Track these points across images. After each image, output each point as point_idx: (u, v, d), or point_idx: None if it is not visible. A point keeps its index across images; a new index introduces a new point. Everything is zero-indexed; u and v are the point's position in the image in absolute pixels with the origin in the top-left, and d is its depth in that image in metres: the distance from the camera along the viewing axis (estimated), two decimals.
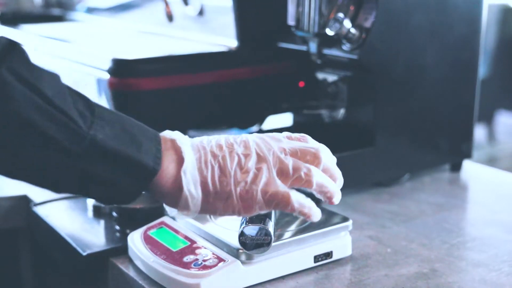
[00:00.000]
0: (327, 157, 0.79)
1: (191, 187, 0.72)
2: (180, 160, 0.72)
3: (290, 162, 0.75)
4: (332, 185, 0.78)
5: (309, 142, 0.79)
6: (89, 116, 0.67)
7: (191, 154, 0.73)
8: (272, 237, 0.80)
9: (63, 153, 0.65)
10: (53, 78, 0.66)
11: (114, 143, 0.67)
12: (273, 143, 0.76)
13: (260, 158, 0.74)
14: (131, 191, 0.71)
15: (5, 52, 0.63)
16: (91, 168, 0.66)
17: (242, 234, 0.80)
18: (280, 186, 0.74)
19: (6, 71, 0.62)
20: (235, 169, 0.73)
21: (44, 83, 0.64)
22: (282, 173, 0.74)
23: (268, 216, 0.82)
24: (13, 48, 0.64)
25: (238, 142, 0.75)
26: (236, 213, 0.75)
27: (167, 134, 0.75)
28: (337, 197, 0.79)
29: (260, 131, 1.33)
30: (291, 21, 1.15)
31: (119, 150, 0.67)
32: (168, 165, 0.72)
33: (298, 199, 0.75)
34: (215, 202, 0.73)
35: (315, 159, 0.77)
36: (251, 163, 0.73)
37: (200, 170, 0.73)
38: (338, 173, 0.80)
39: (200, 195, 0.73)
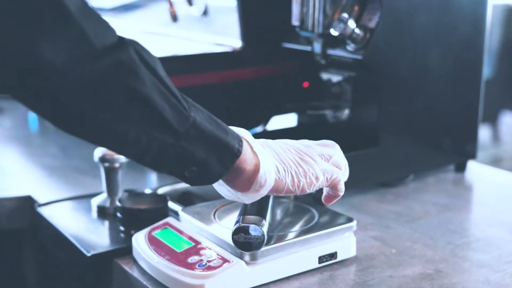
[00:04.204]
0: None
1: (269, 164, 0.76)
2: (250, 144, 0.77)
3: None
4: None
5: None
6: (186, 101, 0.72)
7: (256, 141, 0.78)
8: (265, 235, 0.80)
9: (170, 132, 0.69)
10: (161, 64, 0.71)
11: (208, 126, 0.72)
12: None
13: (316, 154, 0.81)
14: (218, 171, 0.74)
15: (129, 39, 0.69)
16: (189, 147, 0.71)
17: (235, 233, 0.80)
18: (340, 173, 0.83)
19: (133, 52, 0.67)
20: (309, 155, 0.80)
21: (159, 67, 0.70)
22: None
23: (263, 215, 0.82)
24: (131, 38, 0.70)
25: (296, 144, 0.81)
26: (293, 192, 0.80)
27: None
28: None
29: (264, 132, 1.33)
30: (295, 22, 1.15)
31: (213, 132, 0.72)
32: (245, 148, 0.76)
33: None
34: (279, 182, 0.77)
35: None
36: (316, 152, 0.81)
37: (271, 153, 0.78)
38: None
39: (274, 171, 0.77)
